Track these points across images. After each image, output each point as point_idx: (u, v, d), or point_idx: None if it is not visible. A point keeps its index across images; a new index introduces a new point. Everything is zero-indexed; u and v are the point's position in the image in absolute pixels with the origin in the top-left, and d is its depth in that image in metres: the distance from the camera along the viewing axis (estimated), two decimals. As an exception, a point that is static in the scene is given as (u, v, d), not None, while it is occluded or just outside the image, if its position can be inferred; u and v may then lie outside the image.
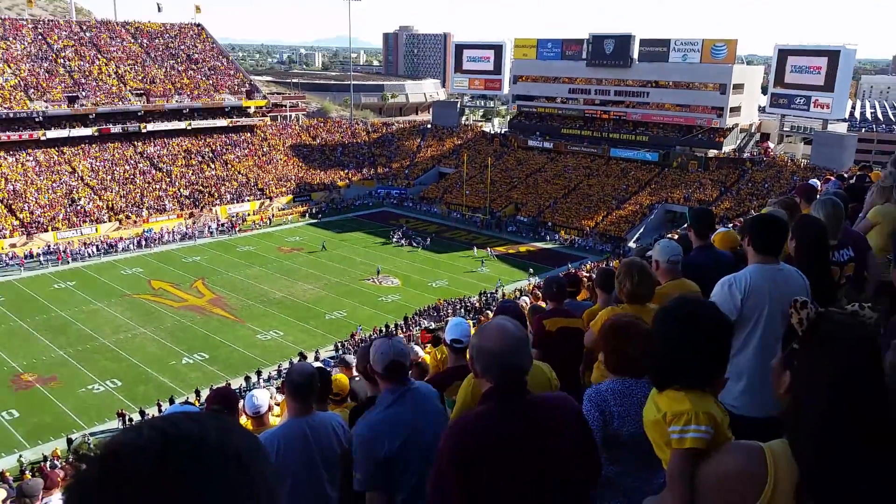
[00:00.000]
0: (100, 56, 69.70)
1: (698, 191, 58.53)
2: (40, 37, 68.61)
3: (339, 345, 35.31)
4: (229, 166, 66.74)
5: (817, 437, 1.64)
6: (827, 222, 4.70)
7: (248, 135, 72.34)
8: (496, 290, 43.29)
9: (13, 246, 49.24)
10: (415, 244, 54.76)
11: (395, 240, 55.73)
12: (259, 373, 32.23)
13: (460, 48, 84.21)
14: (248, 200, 62.83)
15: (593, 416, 3.16)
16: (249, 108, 73.05)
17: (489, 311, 19.73)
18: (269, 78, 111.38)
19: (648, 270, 4.63)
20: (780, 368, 1.95)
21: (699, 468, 2.18)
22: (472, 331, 4.82)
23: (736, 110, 64.16)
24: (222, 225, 58.38)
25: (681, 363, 2.40)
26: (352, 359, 7.26)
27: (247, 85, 75.76)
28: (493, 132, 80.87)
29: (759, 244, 3.88)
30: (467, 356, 2.83)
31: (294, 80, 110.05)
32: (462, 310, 39.48)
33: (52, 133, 59.99)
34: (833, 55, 59.10)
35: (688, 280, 5.03)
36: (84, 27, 73.77)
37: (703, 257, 5.54)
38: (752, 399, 3.66)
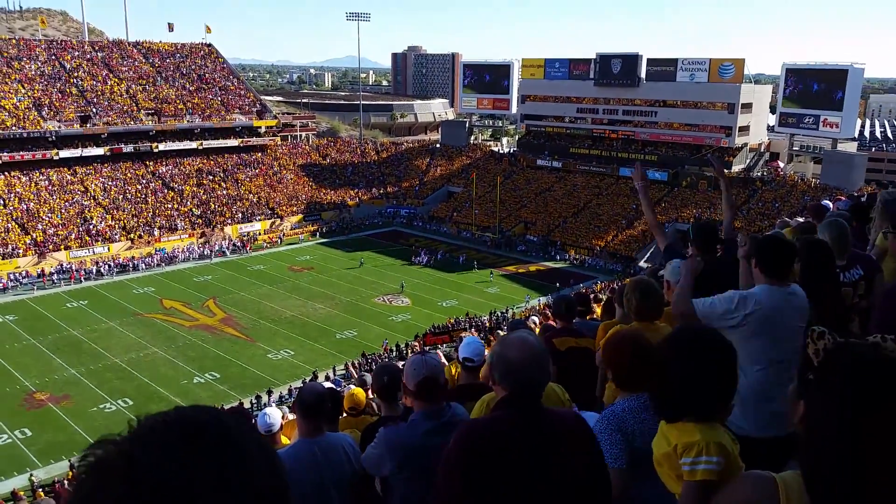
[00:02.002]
0: (112, 76, 70.47)
1: (708, 210, 58.45)
2: (53, 57, 69.46)
3: (348, 364, 35.23)
4: (240, 185, 67.17)
5: (830, 473, 1.58)
6: (832, 244, 4.70)
7: (259, 154, 72.85)
8: (504, 310, 43.24)
9: (18, 267, 49.27)
10: (427, 260, 55.34)
11: (416, 261, 55.81)
12: (269, 392, 32.23)
13: (468, 68, 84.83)
14: (259, 220, 63.15)
15: (615, 439, 3.10)
16: (260, 127, 73.64)
17: (500, 331, 19.65)
18: (280, 98, 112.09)
19: (653, 288, 4.66)
20: (794, 398, 1.94)
21: (712, 499, 2.19)
22: (486, 350, 4.83)
23: (745, 129, 64.22)
24: (233, 244, 58.64)
25: (690, 396, 2.42)
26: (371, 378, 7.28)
27: (257, 105, 76.41)
28: (501, 151, 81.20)
29: (766, 267, 3.82)
30: (483, 367, 2.81)
31: (304, 101, 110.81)
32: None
33: (65, 153, 60.51)
34: (841, 74, 59.19)
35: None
36: (96, 47, 74.70)
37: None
38: (751, 418, 3.63)
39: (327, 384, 9.51)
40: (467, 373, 4.97)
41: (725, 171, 55.06)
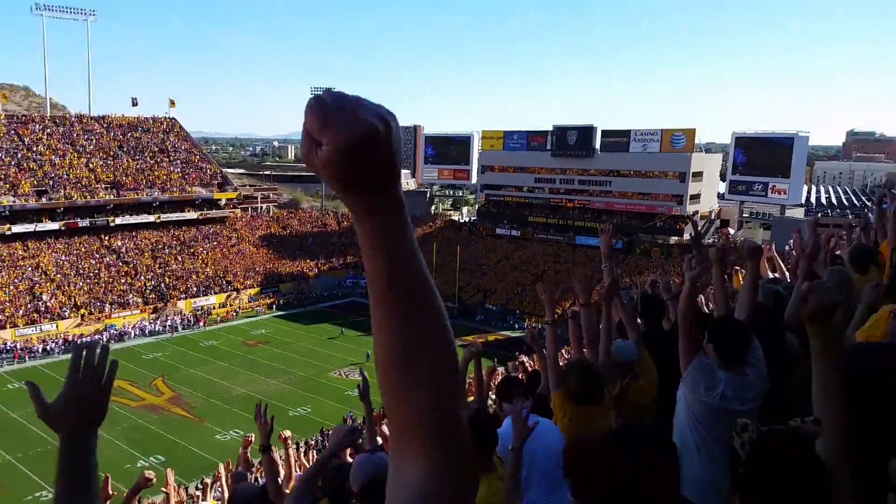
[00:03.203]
0: (72, 150, 70.28)
1: (662, 278, 59.17)
2: (13, 131, 69.18)
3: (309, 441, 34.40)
4: (197, 258, 66.54)
5: None
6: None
7: (218, 226, 72.53)
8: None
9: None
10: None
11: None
12: (215, 479, 31.17)
13: (430, 140, 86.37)
14: (215, 293, 62.28)
15: None
16: (220, 200, 73.57)
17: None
18: (242, 170, 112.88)
19: (592, 369, 4.50)
20: (730, 494, 1.96)
21: None
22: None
23: (696, 198, 65.84)
24: (187, 319, 57.59)
25: (632, 497, 2.39)
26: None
27: (218, 177, 76.55)
28: (461, 220, 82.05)
29: (724, 353, 3.52)
30: None
31: (266, 172, 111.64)
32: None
33: (18, 227, 59.54)
34: (787, 142, 61.44)
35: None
36: (58, 121, 74.67)
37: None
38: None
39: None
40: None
41: (676, 237, 55.51)
